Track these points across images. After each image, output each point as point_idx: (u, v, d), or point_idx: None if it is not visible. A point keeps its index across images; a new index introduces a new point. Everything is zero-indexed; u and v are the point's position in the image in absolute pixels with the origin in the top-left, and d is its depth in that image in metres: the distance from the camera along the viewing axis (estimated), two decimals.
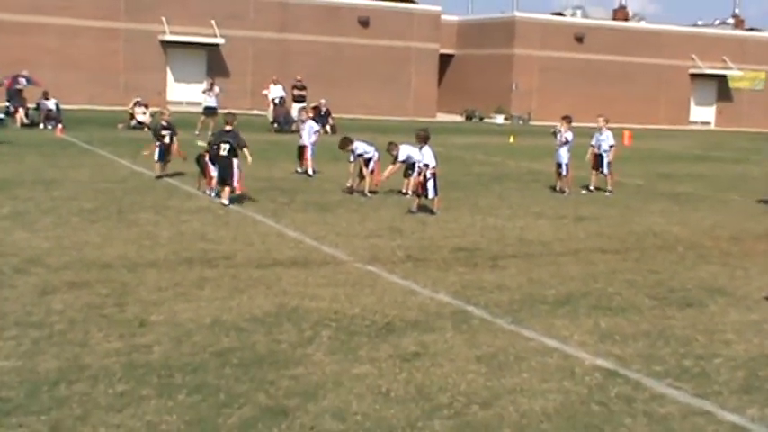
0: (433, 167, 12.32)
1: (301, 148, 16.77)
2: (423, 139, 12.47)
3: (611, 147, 15.98)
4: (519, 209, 13.41)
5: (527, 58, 48.24)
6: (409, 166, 13.97)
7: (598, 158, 16.04)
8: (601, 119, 16.24)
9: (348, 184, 14.25)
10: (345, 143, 14.09)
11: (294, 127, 28.40)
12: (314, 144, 16.79)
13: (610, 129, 16.42)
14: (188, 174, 15.34)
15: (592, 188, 16.00)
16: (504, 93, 48.39)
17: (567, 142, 15.40)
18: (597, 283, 8.46)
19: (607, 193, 15.85)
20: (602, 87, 49.48)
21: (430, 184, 12.26)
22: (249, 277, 7.98)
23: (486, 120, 46.32)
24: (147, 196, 12.68)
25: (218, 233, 10.06)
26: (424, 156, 12.33)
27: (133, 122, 26.24)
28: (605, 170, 15.98)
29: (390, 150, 13.88)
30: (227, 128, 12.41)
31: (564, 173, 15.50)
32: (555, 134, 15.68)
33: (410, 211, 12.26)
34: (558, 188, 15.63)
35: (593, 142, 16.21)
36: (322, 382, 5.31)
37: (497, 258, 9.44)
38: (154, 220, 10.69)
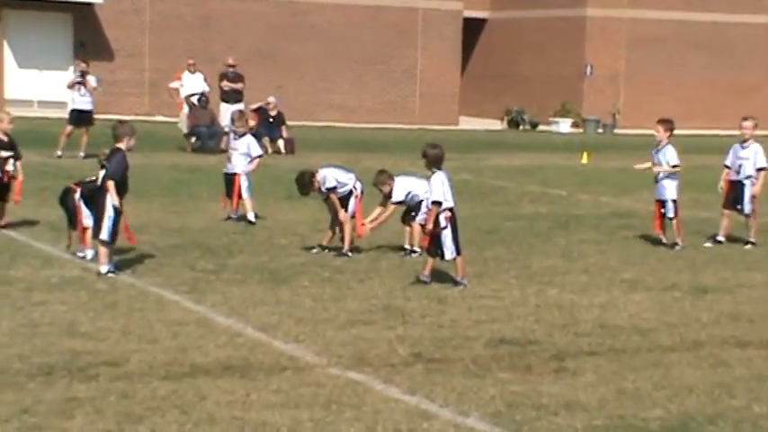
0: (450, 208, 12.46)
1: (230, 179, 16.92)
2: (433, 160, 12.58)
3: (759, 170, 16.11)
4: (599, 275, 13.48)
5: (608, 23, 48.86)
6: (412, 207, 14.08)
7: (736, 188, 16.19)
8: (747, 123, 16.35)
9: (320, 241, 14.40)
10: (307, 182, 14.16)
11: (224, 143, 28.68)
12: (250, 172, 16.93)
13: (759, 140, 16.60)
14: (45, 222, 15.37)
15: (721, 238, 16.14)
16: (570, 82, 48.91)
17: (674, 166, 15.59)
18: (734, 398, 8.53)
19: (748, 246, 15.96)
20: (738, 69, 50.07)
21: (446, 236, 12.36)
22: (152, 396, 8.01)
23: (542, 127, 46.78)
24: None
25: (97, 323, 10.09)
26: (434, 189, 12.44)
27: None
28: (746, 208, 16.13)
29: (379, 184, 13.98)
30: (120, 145, 12.59)
31: (670, 214, 15.67)
32: (656, 152, 15.89)
33: (419, 280, 12.36)
34: (664, 240, 15.78)
35: (729, 161, 16.39)
36: None
37: (565, 357, 9.50)
38: None
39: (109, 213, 12.23)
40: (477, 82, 52.01)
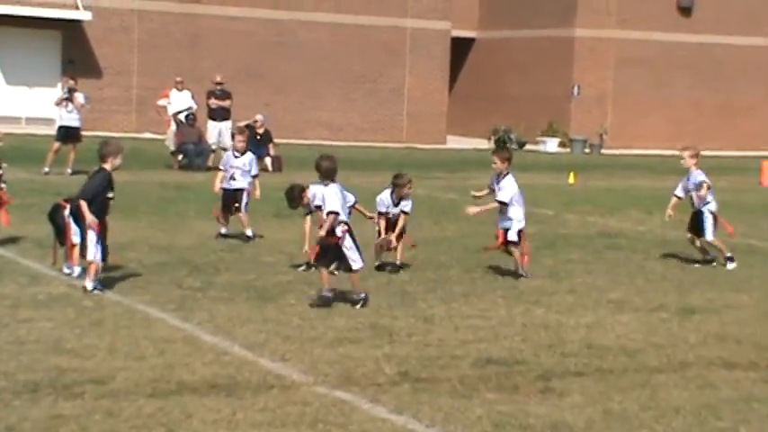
0: (345, 221, 12.30)
1: (232, 196, 16.91)
2: (325, 173, 12.37)
3: (701, 185, 16.22)
4: (586, 295, 13.49)
5: (596, 43, 49.13)
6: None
7: (695, 218, 16.40)
8: (686, 153, 16.52)
9: (304, 250, 14.36)
10: (297, 196, 13.96)
11: (211, 160, 28.70)
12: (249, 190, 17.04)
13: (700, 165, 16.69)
14: (30, 238, 15.36)
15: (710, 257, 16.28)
16: (558, 101, 49.11)
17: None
18: (721, 420, 8.54)
19: (727, 265, 16.04)
20: (726, 91, 50.29)
21: (348, 248, 12.25)
22: (137, 414, 7.99)
23: (529, 146, 46.90)
24: None
25: (83, 340, 10.07)
26: (328, 199, 12.26)
27: None
28: (708, 236, 16.24)
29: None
30: (105, 165, 12.57)
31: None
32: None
33: (322, 299, 12.10)
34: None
35: (680, 193, 16.61)
36: None
37: (551, 377, 9.50)
38: None
39: (88, 233, 12.23)
40: (464, 101, 52.19)
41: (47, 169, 25.13)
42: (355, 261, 12.25)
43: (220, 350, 9.94)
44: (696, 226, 16.25)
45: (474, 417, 8.28)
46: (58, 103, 26.36)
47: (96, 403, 8.20)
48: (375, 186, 19.86)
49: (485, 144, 46.65)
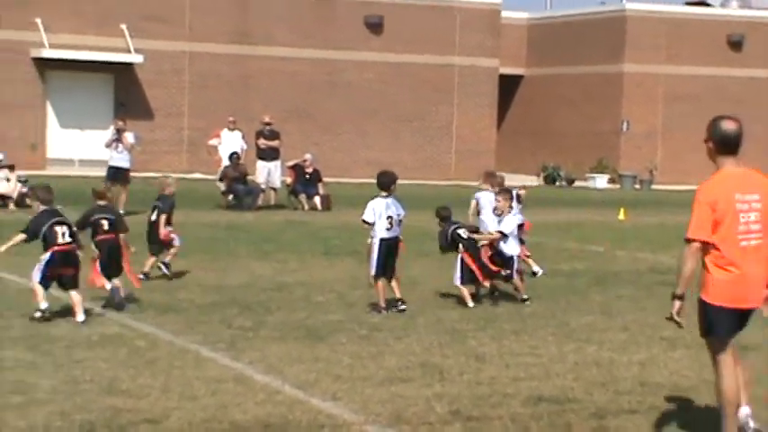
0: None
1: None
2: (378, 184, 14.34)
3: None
4: (638, 332, 13.43)
5: (645, 79, 49.00)
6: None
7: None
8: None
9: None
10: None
11: (261, 200, 28.84)
12: None
13: None
14: (84, 279, 15.53)
15: None
16: (607, 137, 48.98)
17: None
18: None
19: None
20: None
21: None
22: None
23: (578, 183, 46.76)
24: (16, 319, 12.86)
25: (137, 380, 10.17)
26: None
27: None
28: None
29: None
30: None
31: None
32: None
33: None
34: None
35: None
36: None
37: (605, 415, 9.46)
38: (27, 361, 10.80)
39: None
40: (513, 138, 52.20)
41: None
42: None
43: (272, 389, 9.99)
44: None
45: None
46: (108, 145, 26.52)
47: None
48: (422, 224, 19.93)
49: (534, 181, 46.59)
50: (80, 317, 12.79)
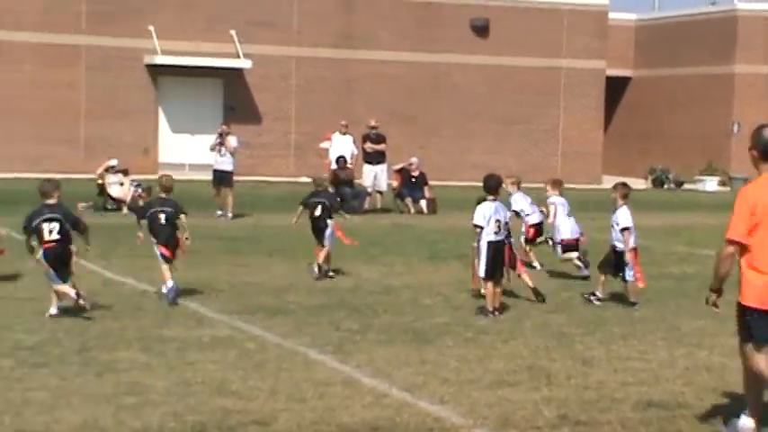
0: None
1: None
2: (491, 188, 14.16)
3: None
4: None
5: (756, 79, 48.13)
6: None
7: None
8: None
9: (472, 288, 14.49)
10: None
11: (367, 204, 28.95)
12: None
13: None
14: (196, 282, 15.72)
15: None
16: (717, 139, 48.21)
17: None
18: None
19: None
20: None
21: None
22: None
23: (687, 186, 46.11)
24: (130, 321, 13.06)
25: (246, 382, 10.28)
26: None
27: (108, 203, 27.01)
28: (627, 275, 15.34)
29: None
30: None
31: None
32: None
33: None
34: None
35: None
36: None
37: (716, 422, 9.36)
38: (141, 363, 10.98)
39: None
40: (620, 140, 51.67)
41: (219, 212, 25.77)
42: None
43: (379, 392, 10.03)
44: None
45: None
46: (212, 148, 26.80)
47: None
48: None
49: (642, 184, 46.06)
50: (53, 309, 13.00)
